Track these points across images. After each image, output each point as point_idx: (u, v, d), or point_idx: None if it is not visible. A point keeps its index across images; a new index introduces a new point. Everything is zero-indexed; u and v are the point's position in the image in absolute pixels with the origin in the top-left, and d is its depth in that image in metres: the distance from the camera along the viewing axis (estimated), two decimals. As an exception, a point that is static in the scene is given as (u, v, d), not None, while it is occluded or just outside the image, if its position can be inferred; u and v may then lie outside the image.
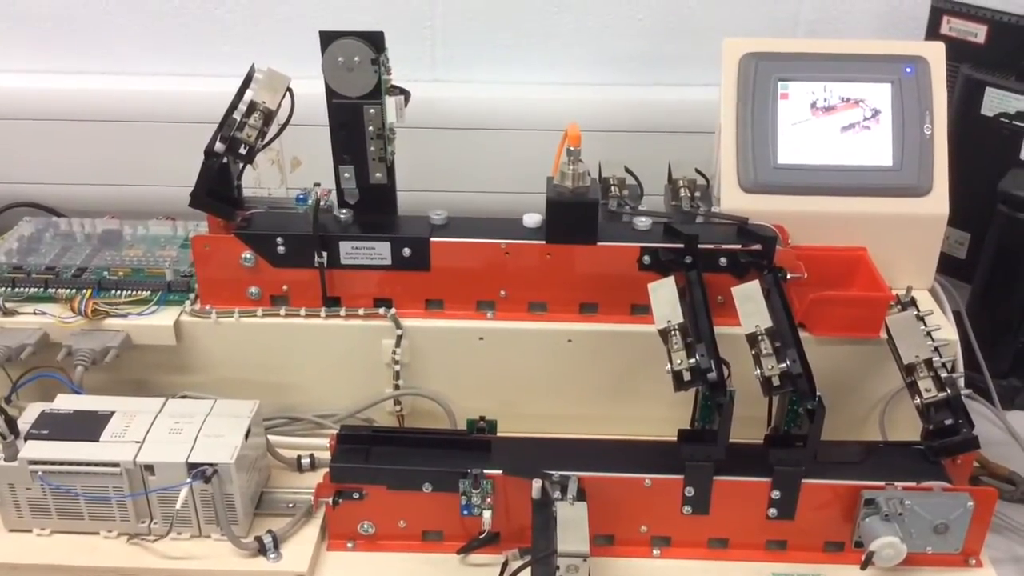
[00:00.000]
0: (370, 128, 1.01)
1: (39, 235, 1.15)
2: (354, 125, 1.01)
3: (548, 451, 0.92)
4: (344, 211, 1.03)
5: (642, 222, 1.02)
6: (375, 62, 0.98)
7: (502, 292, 1.03)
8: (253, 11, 1.29)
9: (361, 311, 1.03)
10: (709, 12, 1.28)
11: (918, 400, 0.91)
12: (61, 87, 1.31)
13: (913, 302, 1.00)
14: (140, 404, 0.94)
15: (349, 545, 0.93)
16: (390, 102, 1.01)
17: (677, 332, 0.88)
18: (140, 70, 1.33)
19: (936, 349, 0.93)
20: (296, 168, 1.30)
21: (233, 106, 0.99)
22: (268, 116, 0.99)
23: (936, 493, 0.87)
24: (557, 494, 0.85)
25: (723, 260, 1.00)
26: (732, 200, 1.06)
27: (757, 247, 0.99)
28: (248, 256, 1.01)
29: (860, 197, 1.05)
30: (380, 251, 1.01)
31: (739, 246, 1.00)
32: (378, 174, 1.03)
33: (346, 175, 1.03)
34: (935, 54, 1.07)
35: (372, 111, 1.00)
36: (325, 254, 1.01)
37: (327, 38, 0.98)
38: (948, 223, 1.06)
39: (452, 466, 0.89)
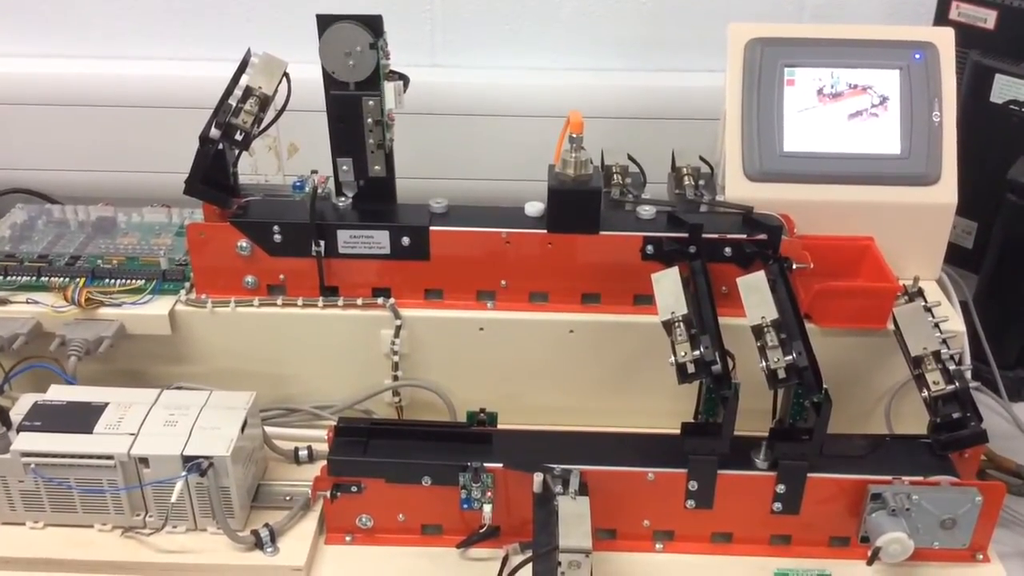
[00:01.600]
0: (369, 120, 0.99)
1: (32, 222, 1.14)
2: (353, 118, 0.99)
3: (549, 444, 0.91)
4: (342, 199, 1.02)
5: (646, 211, 1.01)
6: (373, 46, 0.97)
7: (503, 282, 1.02)
8: (249, -6, 1.28)
9: (359, 301, 1.02)
10: (714, -4, 1.26)
11: (925, 393, 0.90)
12: (55, 71, 1.29)
13: (920, 293, 0.99)
14: (134, 395, 0.93)
15: (347, 539, 0.92)
16: (389, 87, 0.99)
17: (681, 323, 0.87)
18: (135, 54, 1.31)
19: (944, 341, 0.92)
20: (293, 154, 1.29)
21: (229, 91, 0.97)
22: (264, 101, 0.97)
23: (943, 488, 0.86)
24: (559, 488, 0.84)
25: (728, 250, 0.98)
26: (737, 188, 1.04)
27: (762, 237, 0.98)
28: (244, 244, 1.00)
29: (867, 186, 1.04)
30: (379, 240, 1.00)
31: (744, 236, 0.99)
32: (377, 167, 1.01)
33: (344, 168, 1.01)
34: (944, 40, 1.06)
35: (371, 103, 0.98)
36: (323, 243, 0.99)
37: (324, 22, 0.96)
38: (956, 212, 1.05)
39: (452, 459, 0.88)
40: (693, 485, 0.88)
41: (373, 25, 0.97)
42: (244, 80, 0.97)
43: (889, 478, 0.87)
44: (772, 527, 0.90)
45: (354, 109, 0.99)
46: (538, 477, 0.85)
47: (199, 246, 1.01)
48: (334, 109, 0.99)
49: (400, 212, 1.03)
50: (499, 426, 0.94)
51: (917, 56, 1.05)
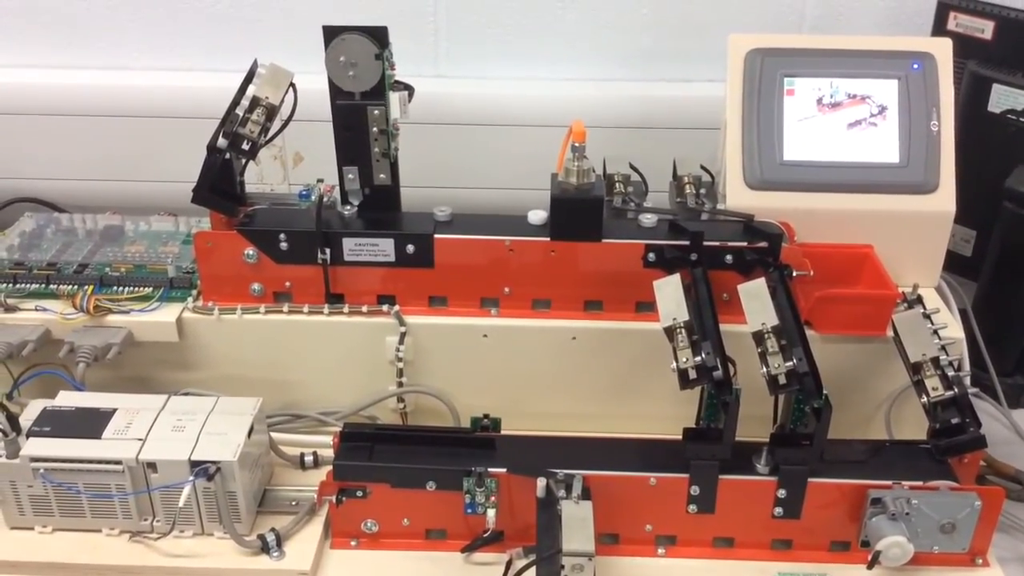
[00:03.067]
0: (374, 129, 1.00)
1: (41, 231, 1.15)
2: (358, 127, 1.00)
3: (552, 449, 0.92)
4: (348, 207, 1.03)
5: (647, 219, 1.01)
6: (379, 57, 0.98)
7: (506, 289, 1.02)
8: (256, 6, 1.29)
9: (364, 308, 1.02)
10: (714, 8, 1.27)
11: (925, 399, 0.91)
12: (63, 82, 1.30)
13: (919, 300, 1.00)
14: (142, 401, 0.94)
15: (352, 543, 0.92)
16: (394, 98, 1.00)
17: (682, 330, 0.88)
18: (143, 65, 1.32)
19: (943, 347, 0.93)
20: (299, 164, 1.30)
21: (236, 102, 0.98)
22: (271, 112, 0.98)
23: (943, 492, 0.87)
24: (562, 493, 0.85)
25: (729, 257, 0.99)
26: (738, 197, 1.05)
27: (763, 244, 0.99)
28: (251, 252, 1.01)
29: (866, 194, 1.05)
30: (384, 248, 1.01)
31: (745, 243, 0.99)
32: (382, 175, 1.02)
33: (350, 176, 1.02)
34: (942, 50, 1.07)
35: (376, 112, 0.99)
36: (328, 251, 1.00)
37: (330, 33, 0.97)
38: (954, 220, 1.06)
39: (456, 464, 0.89)
40: (695, 490, 0.89)
41: (378, 36, 0.98)
42: (251, 90, 0.98)
43: (889, 483, 0.87)
44: (773, 531, 0.91)
45: (360, 118, 1.00)
46: (541, 482, 0.86)
47: (206, 254, 1.02)
48: (340, 118, 1.00)
49: (405, 220, 1.04)
50: (503, 432, 0.94)
51: (915, 66, 1.06)
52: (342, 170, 1.02)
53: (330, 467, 0.90)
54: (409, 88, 1.01)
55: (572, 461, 0.88)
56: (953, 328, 1.01)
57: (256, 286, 1.03)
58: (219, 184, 0.99)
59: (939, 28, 1.19)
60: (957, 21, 1.18)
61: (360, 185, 1.03)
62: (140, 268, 1.06)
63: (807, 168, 1.05)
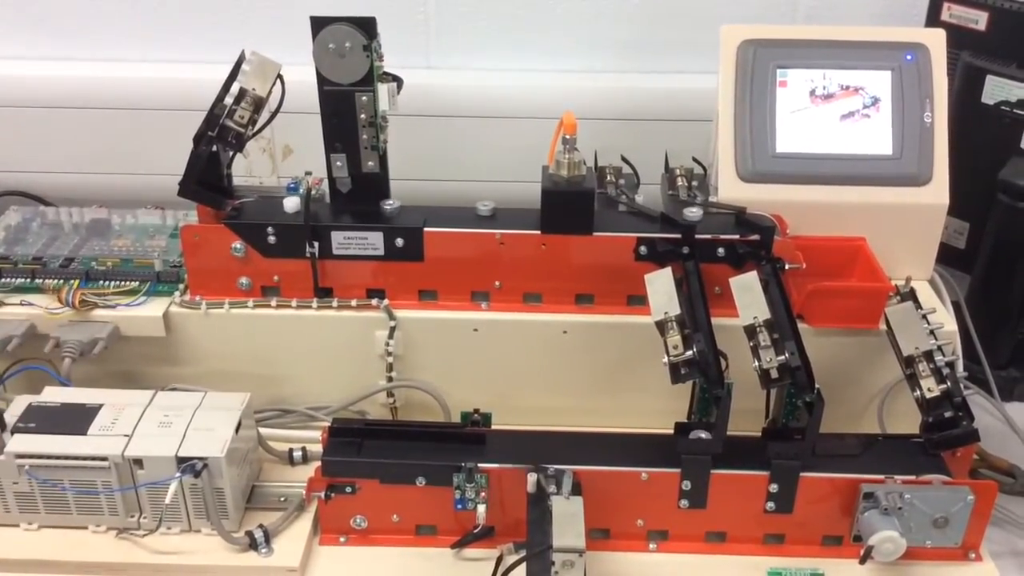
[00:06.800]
0: (362, 116, 0.99)
1: (26, 224, 1.14)
2: (346, 113, 0.99)
3: (543, 444, 0.91)
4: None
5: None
6: (367, 48, 0.97)
7: (497, 283, 1.02)
8: (243, -4, 1.28)
9: (354, 302, 1.02)
10: (706, -2, 1.26)
11: (917, 392, 0.90)
12: (49, 74, 1.29)
13: (912, 293, 1.00)
14: (129, 397, 0.93)
15: (341, 539, 0.92)
16: (382, 89, 1.00)
17: (674, 323, 0.87)
18: (129, 57, 1.31)
19: (936, 341, 0.92)
20: (287, 156, 1.29)
21: (223, 93, 0.97)
22: (258, 103, 0.97)
23: (936, 487, 0.86)
24: (552, 488, 0.84)
25: (721, 250, 0.99)
26: (730, 189, 1.05)
27: (755, 237, 0.99)
28: (238, 246, 1.00)
29: (859, 186, 1.04)
30: (373, 241, 1.00)
31: (737, 236, 0.99)
32: (370, 163, 1.02)
33: (338, 163, 1.02)
34: (935, 41, 1.06)
35: (364, 99, 0.98)
36: (317, 244, 0.99)
37: (318, 23, 0.96)
38: (948, 212, 1.05)
39: (446, 459, 0.88)
40: (686, 485, 0.88)
41: (366, 27, 0.97)
42: (238, 82, 0.97)
43: (881, 477, 0.87)
44: (765, 526, 0.91)
45: (347, 104, 0.99)
46: (532, 477, 0.85)
47: (193, 248, 1.01)
48: (328, 105, 0.99)
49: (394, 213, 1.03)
50: (493, 426, 0.94)
51: (909, 57, 1.06)
52: (330, 158, 1.01)
53: (319, 463, 0.90)
54: (398, 79, 1.01)
55: (563, 456, 0.88)
56: (946, 321, 1.01)
57: (244, 280, 1.02)
58: (206, 177, 0.98)
59: (933, 19, 1.18)
60: (951, 12, 1.17)
61: (348, 172, 1.02)
62: (127, 262, 1.05)
63: (800, 160, 1.05)
